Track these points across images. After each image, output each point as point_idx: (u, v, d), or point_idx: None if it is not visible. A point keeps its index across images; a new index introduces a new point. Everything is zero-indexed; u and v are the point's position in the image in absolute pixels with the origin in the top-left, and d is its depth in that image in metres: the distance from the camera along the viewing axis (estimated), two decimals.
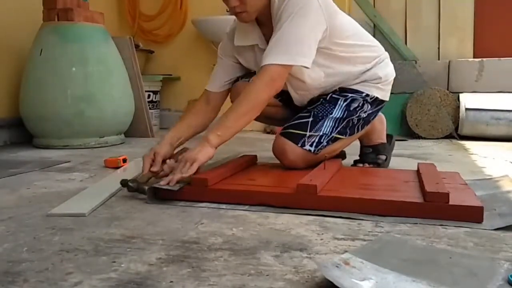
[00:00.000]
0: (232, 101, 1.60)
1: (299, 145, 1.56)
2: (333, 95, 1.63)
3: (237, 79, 1.71)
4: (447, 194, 1.11)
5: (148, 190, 1.29)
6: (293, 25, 1.40)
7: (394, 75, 1.71)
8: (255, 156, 1.76)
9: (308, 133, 1.57)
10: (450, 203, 1.10)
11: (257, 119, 1.58)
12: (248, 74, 1.70)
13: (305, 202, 1.19)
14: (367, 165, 1.75)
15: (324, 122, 1.59)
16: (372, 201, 1.16)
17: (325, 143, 1.59)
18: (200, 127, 1.67)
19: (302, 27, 1.41)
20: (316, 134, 1.57)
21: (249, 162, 1.67)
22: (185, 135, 1.61)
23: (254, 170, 1.60)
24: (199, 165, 1.33)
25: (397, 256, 0.84)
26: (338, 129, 1.60)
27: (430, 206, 1.11)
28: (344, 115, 1.60)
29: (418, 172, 1.46)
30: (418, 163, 1.58)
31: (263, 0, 1.47)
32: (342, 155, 1.80)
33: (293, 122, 1.61)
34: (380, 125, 1.81)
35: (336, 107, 1.60)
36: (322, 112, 1.60)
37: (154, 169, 1.45)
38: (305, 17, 1.41)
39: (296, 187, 1.21)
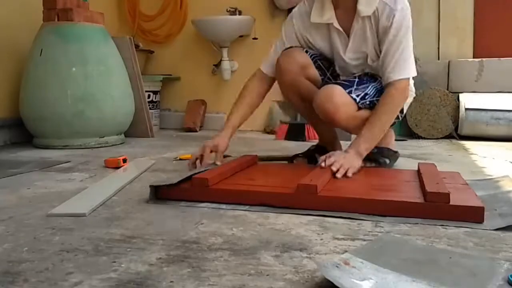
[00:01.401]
0: (276, 77, 1.76)
1: (347, 91, 1.61)
2: (372, 74, 1.71)
3: None
4: (448, 194, 1.11)
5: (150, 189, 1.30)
6: (406, 43, 1.61)
7: (404, 111, 1.78)
8: (256, 156, 1.76)
9: (354, 87, 1.64)
10: (451, 203, 1.10)
11: (290, 96, 1.78)
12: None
13: (305, 202, 1.19)
14: (368, 163, 1.75)
15: (368, 85, 1.66)
16: (372, 201, 1.16)
17: (368, 102, 1.64)
18: (254, 108, 1.79)
19: (410, 43, 1.63)
20: (362, 90, 1.64)
21: (250, 162, 1.67)
22: (242, 120, 1.75)
23: (254, 170, 1.60)
24: (352, 172, 1.47)
25: (397, 256, 0.84)
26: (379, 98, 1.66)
27: (431, 206, 1.11)
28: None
29: (418, 172, 1.46)
30: (419, 163, 1.58)
31: None
32: None
33: (338, 81, 1.70)
34: (390, 133, 1.87)
35: (378, 81, 1.68)
36: (366, 79, 1.69)
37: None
38: (410, 33, 1.63)
39: (296, 187, 1.21)
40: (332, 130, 1.92)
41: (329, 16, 1.69)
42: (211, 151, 1.62)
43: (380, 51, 1.65)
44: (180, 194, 1.29)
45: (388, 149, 1.85)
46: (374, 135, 1.58)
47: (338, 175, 1.42)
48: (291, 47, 1.77)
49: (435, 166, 1.54)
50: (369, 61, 1.69)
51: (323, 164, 1.47)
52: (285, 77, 1.74)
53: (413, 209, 1.13)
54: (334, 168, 1.44)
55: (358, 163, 1.51)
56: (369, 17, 1.63)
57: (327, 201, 1.18)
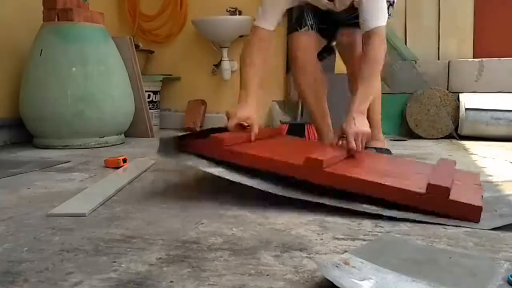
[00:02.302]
0: (289, 56, 1.91)
1: None
2: None
3: (291, 29, 1.92)
4: (448, 188, 1.10)
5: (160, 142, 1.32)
6: None
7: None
8: (283, 128, 1.76)
9: None
10: (450, 198, 1.10)
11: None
12: (298, 20, 1.92)
13: (310, 175, 1.21)
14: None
15: None
16: (371, 183, 1.16)
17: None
18: (265, 70, 1.74)
19: None
20: None
21: (275, 132, 1.65)
22: (259, 86, 1.67)
23: (276, 141, 1.60)
24: (367, 139, 1.48)
25: (397, 256, 0.85)
26: None
27: (429, 197, 1.10)
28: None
29: (435, 166, 1.45)
30: (441, 159, 1.58)
31: None
32: None
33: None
34: (383, 137, 1.98)
35: None
36: None
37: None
38: None
39: (305, 159, 1.22)
40: (329, 124, 1.98)
41: None
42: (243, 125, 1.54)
43: None
44: (198, 148, 1.33)
45: (387, 149, 1.94)
46: (368, 94, 1.58)
47: (359, 149, 1.43)
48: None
49: (455, 163, 1.52)
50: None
51: (340, 143, 1.48)
52: (305, 77, 1.89)
53: (411, 197, 1.12)
54: (356, 142, 1.43)
55: (367, 125, 1.50)
56: None
57: (329, 177, 1.20)
